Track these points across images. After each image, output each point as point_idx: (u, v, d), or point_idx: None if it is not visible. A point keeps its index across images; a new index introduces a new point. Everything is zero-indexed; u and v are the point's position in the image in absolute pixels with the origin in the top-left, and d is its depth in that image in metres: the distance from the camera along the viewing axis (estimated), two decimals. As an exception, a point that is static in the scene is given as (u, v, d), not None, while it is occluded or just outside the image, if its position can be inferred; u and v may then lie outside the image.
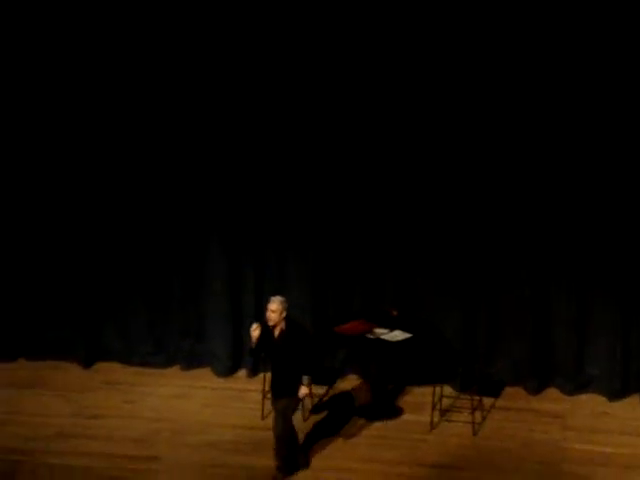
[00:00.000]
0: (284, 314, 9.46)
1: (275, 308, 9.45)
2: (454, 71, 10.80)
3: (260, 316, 11.61)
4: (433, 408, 10.58)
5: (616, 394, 11.00)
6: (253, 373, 11.69)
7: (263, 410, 10.69)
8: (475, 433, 10.42)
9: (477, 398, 10.60)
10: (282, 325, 9.49)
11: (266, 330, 9.54)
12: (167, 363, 11.95)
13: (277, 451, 9.61)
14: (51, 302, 12.08)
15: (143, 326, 11.98)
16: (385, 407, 10.90)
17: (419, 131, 11.04)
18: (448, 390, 10.97)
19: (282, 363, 9.50)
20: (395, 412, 10.87)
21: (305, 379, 9.44)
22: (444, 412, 10.74)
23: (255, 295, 11.69)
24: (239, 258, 11.70)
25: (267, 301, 9.60)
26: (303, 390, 9.46)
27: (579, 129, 10.69)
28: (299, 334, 9.52)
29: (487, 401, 10.84)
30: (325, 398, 11.19)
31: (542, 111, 10.72)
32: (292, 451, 9.66)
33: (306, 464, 9.76)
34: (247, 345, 9.94)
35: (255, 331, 9.51)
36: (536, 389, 11.17)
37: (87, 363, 12.03)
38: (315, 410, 10.73)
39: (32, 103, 11.67)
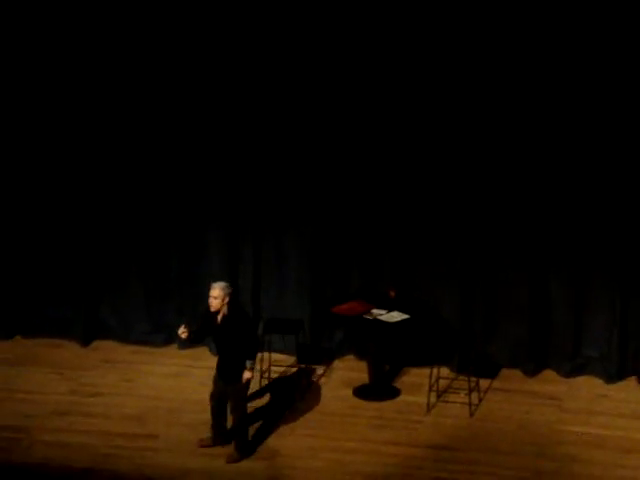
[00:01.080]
0: (226, 300, 9.49)
1: (217, 294, 9.49)
2: (460, 62, 10.79)
3: (256, 298, 11.74)
4: (430, 389, 10.60)
5: (613, 376, 11.03)
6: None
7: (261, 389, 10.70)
8: (472, 414, 10.45)
9: (474, 379, 10.61)
10: (224, 310, 9.53)
11: (209, 316, 9.60)
12: (165, 342, 11.97)
13: (232, 427, 9.73)
14: (49, 280, 12.08)
15: (141, 305, 11.99)
16: (383, 388, 10.92)
17: (421, 115, 11.03)
18: (445, 371, 11.01)
19: (226, 348, 9.59)
20: (392, 393, 10.89)
21: (248, 363, 9.53)
22: (441, 393, 10.76)
23: (253, 275, 11.71)
24: (237, 238, 11.71)
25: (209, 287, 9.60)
26: (246, 374, 9.55)
27: (575, 118, 10.68)
28: (241, 319, 9.61)
29: (484, 383, 10.86)
30: (323, 378, 11.21)
31: (541, 104, 10.71)
32: (246, 433, 9.81)
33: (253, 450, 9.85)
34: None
35: (183, 334, 9.58)
36: (533, 371, 11.19)
37: (85, 341, 12.04)
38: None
39: (33, 92, 11.69)
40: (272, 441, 9.97)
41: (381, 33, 10.88)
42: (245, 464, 9.62)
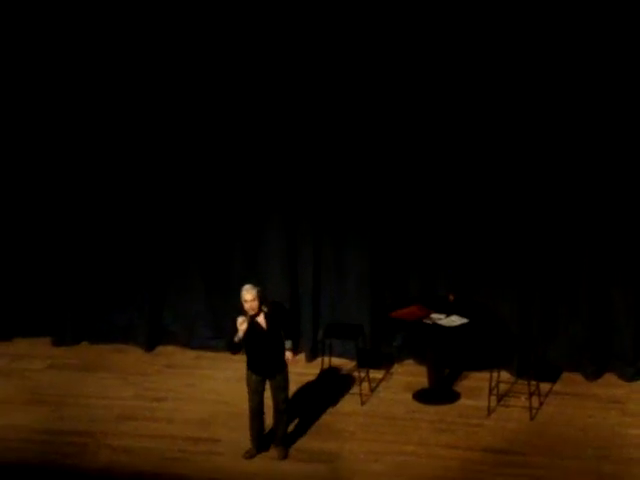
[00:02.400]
0: (261, 299, 9.48)
1: (252, 297, 9.44)
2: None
3: (316, 302, 11.80)
4: (490, 393, 10.59)
5: (675, 380, 10.95)
6: (312, 357, 11.77)
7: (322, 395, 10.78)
8: (532, 418, 10.42)
9: (534, 383, 10.58)
10: (264, 310, 9.53)
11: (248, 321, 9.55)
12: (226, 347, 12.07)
13: (279, 424, 9.82)
14: (113, 286, 12.25)
15: (203, 310, 12.10)
16: (442, 392, 10.94)
17: (471, 121, 11.04)
18: (505, 375, 10.97)
19: (271, 344, 9.60)
20: (452, 397, 10.91)
21: (288, 344, 9.63)
22: (501, 397, 10.74)
23: (313, 280, 11.76)
24: (297, 242, 11.77)
25: (240, 294, 9.53)
26: (288, 354, 9.67)
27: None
28: (280, 310, 9.69)
29: (544, 386, 10.82)
30: (383, 382, 11.26)
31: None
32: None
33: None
34: (229, 336, 9.86)
35: (242, 324, 9.50)
36: (594, 374, 11.13)
37: (148, 346, 12.20)
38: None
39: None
40: (333, 445, 10.03)
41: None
42: (307, 467, 9.71)
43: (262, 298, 9.53)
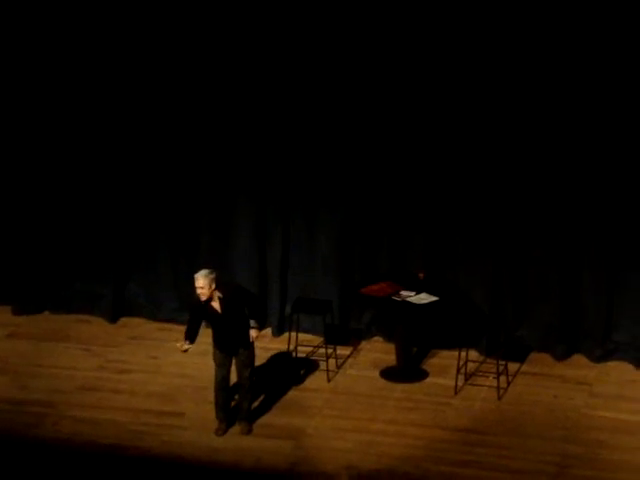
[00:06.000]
0: (213, 286, 9.45)
1: (203, 284, 9.43)
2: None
3: (284, 276, 11.69)
4: (458, 372, 10.56)
5: (644, 362, 10.94)
6: (278, 332, 11.69)
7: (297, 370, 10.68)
8: (500, 398, 10.40)
9: (502, 363, 10.55)
10: (218, 294, 9.51)
11: (199, 308, 9.55)
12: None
13: (243, 400, 9.79)
14: (78, 255, 12.12)
15: (169, 282, 11.99)
16: (410, 370, 10.88)
17: (459, 101, 10.92)
18: (474, 354, 10.94)
19: (232, 325, 9.60)
20: (420, 375, 10.85)
21: (252, 323, 9.63)
22: (469, 376, 10.71)
23: (282, 255, 11.66)
24: (266, 217, 11.67)
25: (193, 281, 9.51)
26: (253, 333, 9.65)
27: (589, 106, 10.59)
28: (240, 293, 9.68)
29: (512, 366, 10.79)
30: (350, 359, 11.18)
31: (571, 89, 10.60)
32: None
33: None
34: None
35: (184, 347, 9.59)
36: (563, 355, 11.11)
37: (113, 317, 12.07)
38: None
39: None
40: (299, 421, 9.96)
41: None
42: (272, 443, 9.64)
43: (217, 284, 9.49)
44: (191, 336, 9.65)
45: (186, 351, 9.65)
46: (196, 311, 9.66)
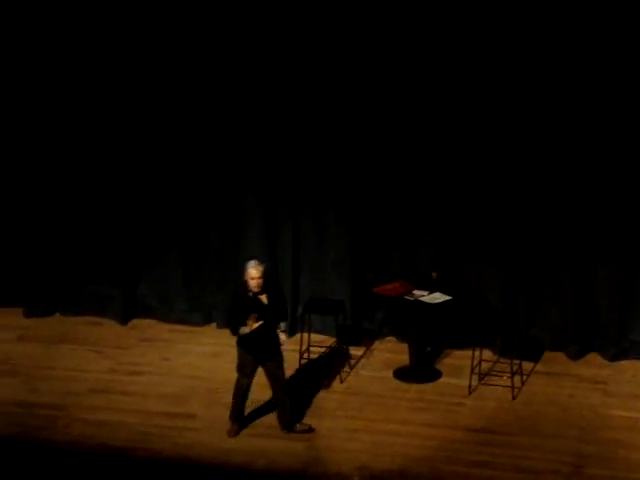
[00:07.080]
0: (265, 278, 9.25)
1: (259, 274, 9.15)
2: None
3: (296, 277, 11.62)
4: (472, 372, 10.48)
5: (658, 361, 10.87)
6: (290, 333, 11.59)
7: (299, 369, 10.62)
8: (514, 397, 10.31)
9: (517, 362, 10.47)
10: (265, 286, 9.32)
11: (245, 300, 9.25)
12: (203, 321, 11.93)
13: (285, 404, 9.64)
14: (88, 258, 12.09)
15: (180, 284, 11.96)
16: (424, 370, 10.80)
17: (469, 100, 10.88)
18: (487, 354, 10.85)
19: (270, 323, 9.37)
20: (433, 375, 10.77)
21: (282, 325, 9.48)
22: (483, 376, 10.63)
23: (292, 256, 11.60)
24: (277, 217, 11.62)
25: (246, 270, 9.22)
26: (283, 336, 9.50)
27: (621, 101, 10.51)
28: (280, 291, 9.58)
29: (527, 366, 10.71)
30: (363, 360, 11.11)
31: (581, 87, 10.54)
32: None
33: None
34: (231, 315, 9.54)
35: (253, 325, 9.19)
36: (577, 354, 11.03)
37: (124, 319, 12.04)
38: None
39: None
40: (311, 422, 9.88)
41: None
42: (284, 444, 9.56)
43: (266, 276, 9.29)
44: (239, 325, 9.27)
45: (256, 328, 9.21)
46: (242, 303, 9.28)
